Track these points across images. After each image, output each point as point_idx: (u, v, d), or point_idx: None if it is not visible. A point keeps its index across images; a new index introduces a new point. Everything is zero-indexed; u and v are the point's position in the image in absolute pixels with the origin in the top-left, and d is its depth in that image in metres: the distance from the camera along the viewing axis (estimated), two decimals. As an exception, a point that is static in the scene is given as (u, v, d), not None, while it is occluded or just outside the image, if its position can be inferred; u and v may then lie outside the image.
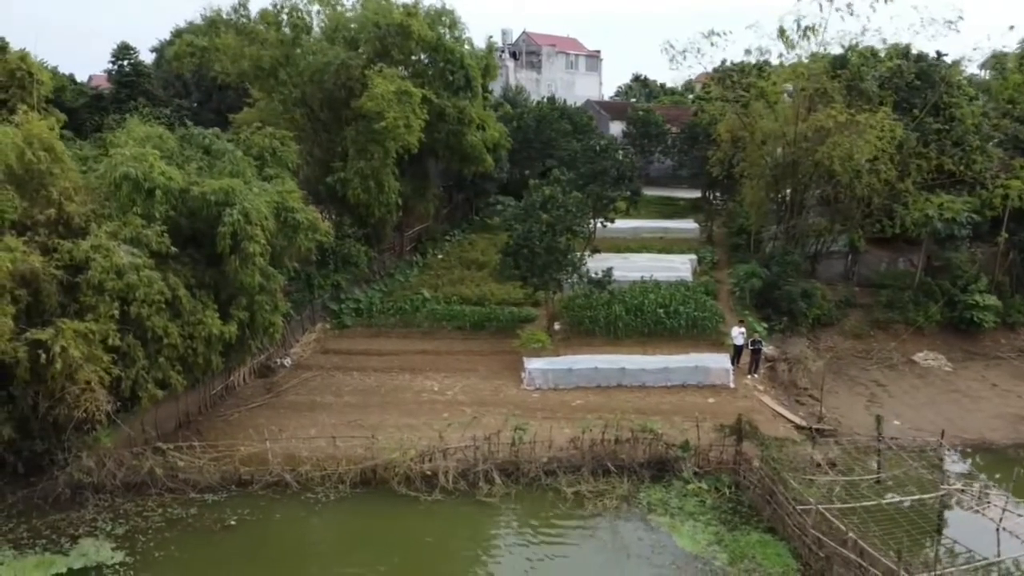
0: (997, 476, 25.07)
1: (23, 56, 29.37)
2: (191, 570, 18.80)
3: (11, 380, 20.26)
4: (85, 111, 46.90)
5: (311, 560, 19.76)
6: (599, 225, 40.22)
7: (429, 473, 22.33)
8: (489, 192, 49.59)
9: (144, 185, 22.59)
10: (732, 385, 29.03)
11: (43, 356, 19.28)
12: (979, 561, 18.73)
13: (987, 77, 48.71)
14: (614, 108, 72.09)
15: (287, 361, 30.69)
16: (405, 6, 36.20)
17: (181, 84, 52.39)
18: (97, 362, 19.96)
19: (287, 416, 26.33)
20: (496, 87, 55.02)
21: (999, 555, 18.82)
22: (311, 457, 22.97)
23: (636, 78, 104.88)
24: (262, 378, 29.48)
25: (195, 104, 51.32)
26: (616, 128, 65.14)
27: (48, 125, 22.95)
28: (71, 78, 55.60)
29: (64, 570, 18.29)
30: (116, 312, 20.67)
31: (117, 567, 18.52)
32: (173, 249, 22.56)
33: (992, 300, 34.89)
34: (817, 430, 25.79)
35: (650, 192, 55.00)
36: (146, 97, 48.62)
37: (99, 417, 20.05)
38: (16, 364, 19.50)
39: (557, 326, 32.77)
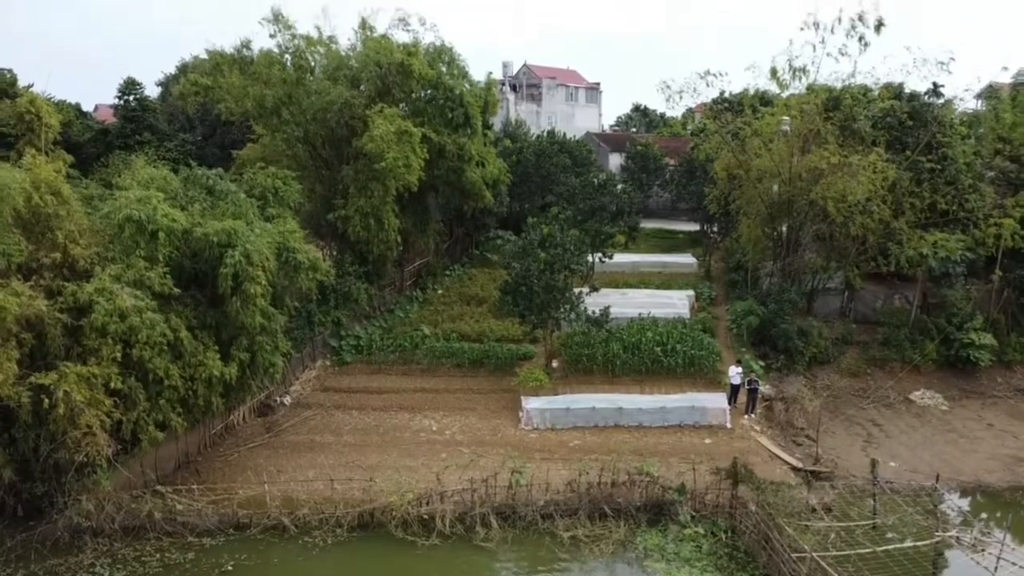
0: (997, 514, 25.10)
1: (32, 99, 29.84)
2: (188, 616, 18.89)
3: (13, 423, 20.50)
4: (91, 146, 47.50)
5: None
6: (598, 260, 40.57)
7: (426, 517, 22.41)
8: (489, 226, 50.12)
9: (148, 227, 22.86)
10: (729, 425, 29.16)
11: (46, 400, 19.54)
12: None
13: (981, 107, 49.25)
14: (613, 140, 72.92)
15: (287, 399, 30.85)
16: (405, 46, 36.78)
17: (186, 119, 53.04)
18: (99, 406, 20.19)
19: (286, 456, 26.47)
20: (497, 120, 55.63)
21: (995, 603, 18.89)
22: (309, 500, 23.07)
23: (636, 108, 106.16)
24: (262, 417, 29.63)
25: (199, 139, 51.96)
26: (615, 160, 65.92)
27: (55, 168, 23.36)
28: (77, 108, 56.39)
29: (62, 617, 18.40)
30: (118, 355, 20.91)
31: (115, 614, 18.62)
32: (176, 290, 22.85)
33: (988, 338, 35.05)
34: (813, 472, 25.89)
35: (649, 225, 55.62)
36: (151, 131, 49.25)
37: (99, 461, 20.21)
38: (19, 408, 19.75)
39: (555, 364, 32.96)
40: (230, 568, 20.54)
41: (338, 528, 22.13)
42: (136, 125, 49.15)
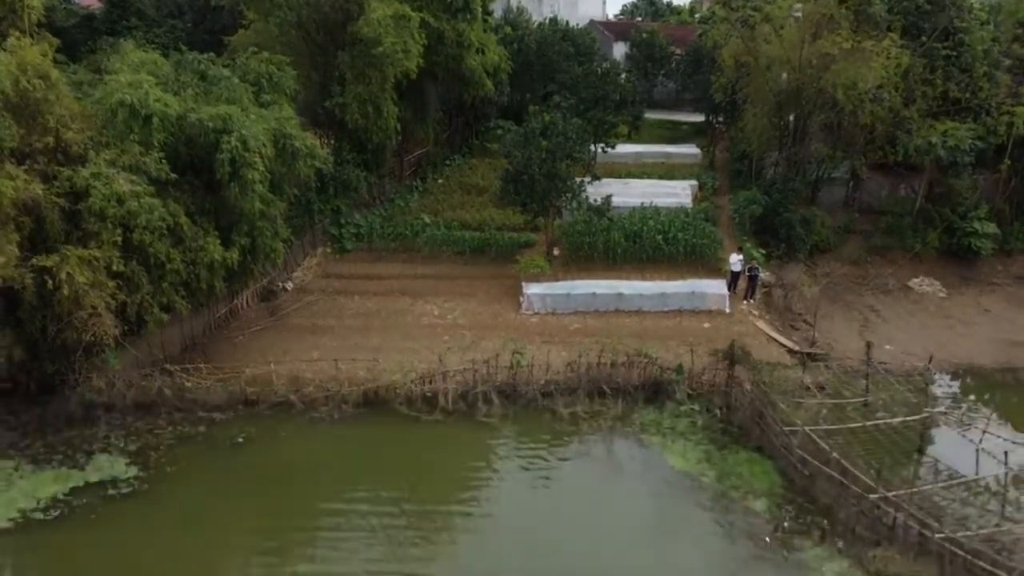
0: (986, 396, 25.70)
1: (11, -21, 28.67)
2: (203, 484, 19.72)
3: (19, 305, 20.82)
4: (76, 31, 45.88)
5: (318, 474, 20.72)
6: (600, 150, 40.00)
7: (429, 395, 23.07)
8: (489, 116, 49.13)
9: (141, 112, 22.53)
10: (728, 311, 29.47)
11: (49, 282, 19.78)
12: (959, 479, 19.53)
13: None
14: (618, 28, 70.35)
15: (289, 285, 31.11)
16: (403, -74, 34.98)
17: (175, 4, 51.02)
18: (102, 288, 20.46)
19: (290, 339, 26.94)
20: (497, 6, 53.59)
21: (977, 473, 19.60)
22: (314, 379, 23.70)
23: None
24: (265, 302, 29.91)
25: (189, 25, 50.14)
26: (620, 49, 63.76)
27: (41, 51, 22.71)
28: (61, -5, 54.24)
29: (81, 483, 19.25)
30: (119, 239, 21.03)
31: (132, 480, 19.48)
32: (172, 176, 22.72)
33: (991, 227, 34.89)
34: (809, 355, 26.35)
35: (653, 115, 54.42)
36: (139, 17, 47.47)
37: (107, 340, 20.64)
38: (23, 290, 20.03)
39: (556, 252, 33.03)
40: (240, 440, 21.34)
41: (344, 405, 22.82)
42: (123, 11, 47.22)
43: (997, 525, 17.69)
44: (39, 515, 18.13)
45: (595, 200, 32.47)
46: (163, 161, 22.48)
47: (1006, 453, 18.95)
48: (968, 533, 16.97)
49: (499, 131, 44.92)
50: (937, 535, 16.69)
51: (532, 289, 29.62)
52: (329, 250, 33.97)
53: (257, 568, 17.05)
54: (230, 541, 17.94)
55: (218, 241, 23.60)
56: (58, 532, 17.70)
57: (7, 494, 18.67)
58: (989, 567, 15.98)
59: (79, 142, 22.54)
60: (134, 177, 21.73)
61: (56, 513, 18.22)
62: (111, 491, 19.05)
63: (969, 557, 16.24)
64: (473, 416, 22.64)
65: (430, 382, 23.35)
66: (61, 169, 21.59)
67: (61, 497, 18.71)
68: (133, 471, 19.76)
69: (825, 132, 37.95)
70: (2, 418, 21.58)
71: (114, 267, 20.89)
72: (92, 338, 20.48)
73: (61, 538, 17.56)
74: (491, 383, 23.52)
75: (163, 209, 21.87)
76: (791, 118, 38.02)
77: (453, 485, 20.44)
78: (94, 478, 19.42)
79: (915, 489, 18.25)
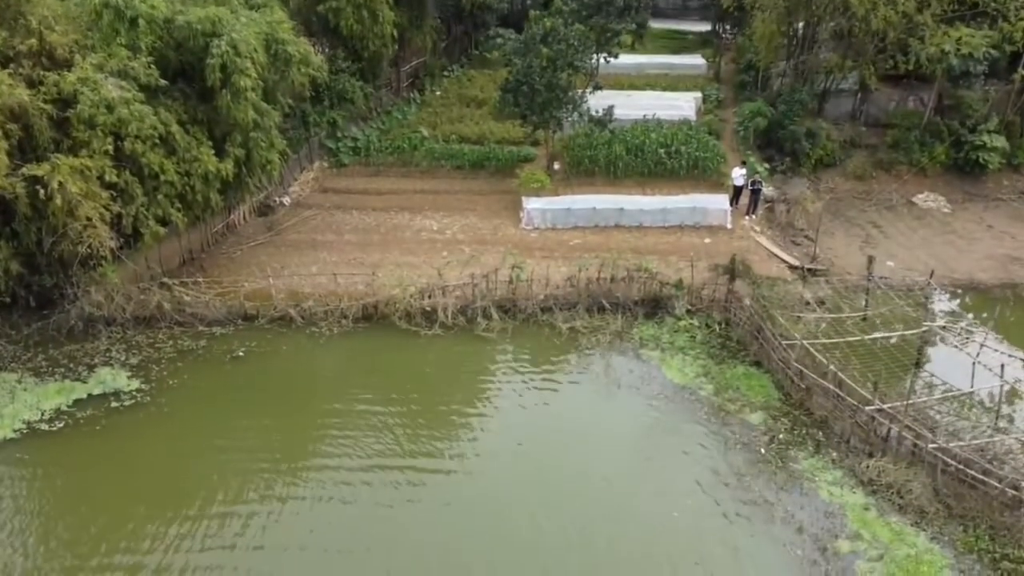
0: (984, 314, 25.74)
1: None
2: (204, 396, 19.90)
3: (13, 217, 20.55)
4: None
5: (318, 387, 21.01)
6: (602, 60, 38.82)
7: (429, 309, 23.04)
8: (489, 24, 47.33)
9: (126, 13, 21.87)
10: (729, 226, 29.19)
11: (42, 192, 19.44)
12: (954, 392, 19.74)
13: None
14: (623, -69, 67.27)
15: (286, 200, 30.70)
16: None
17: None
18: (96, 198, 20.14)
19: (288, 254, 26.75)
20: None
21: (972, 387, 19.80)
22: (314, 293, 23.66)
23: None
24: (262, 217, 29.60)
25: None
26: (624, -47, 61.15)
27: (17, -53, 21.66)
28: None
29: (84, 395, 19.44)
30: (110, 148, 20.61)
31: (134, 393, 19.65)
32: (162, 83, 22.09)
33: (1000, 141, 34.12)
34: (809, 270, 26.24)
35: (658, 25, 52.72)
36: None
37: (103, 253, 20.46)
38: (16, 200, 19.72)
39: (556, 166, 32.48)
40: (241, 354, 21.43)
41: (343, 319, 22.84)
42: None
43: (989, 436, 17.96)
44: (44, 426, 18.37)
45: (596, 112, 31.70)
46: (152, 66, 21.86)
47: (1002, 367, 19.06)
48: (960, 443, 17.26)
49: (499, 40, 43.50)
50: (930, 445, 16.97)
51: (532, 204, 29.23)
52: (326, 164, 33.41)
53: (262, 467, 17.40)
54: (234, 446, 18.21)
55: (212, 152, 23.16)
56: (64, 442, 17.98)
57: (12, 406, 18.86)
58: (980, 475, 16.33)
59: (64, 45, 21.89)
60: (123, 83, 21.16)
61: (61, 424, 18.46)
62: (114, 403, 19.24)
63: (960, 466, 16.57)
64: (472, 330, 22.68)
65: (429, 296, 23.29)
66: (47, 74, 20.97)
67: (65, 409, 18.93)
68: (135, 384, 19.92)
69: (835, 40, 36.73)
70: (3, 332, 21.60)
71: (107, 177, 20.56)
72: (88, 250, 20.30)
73: (67, 448, 17.85)
74: (490, 298, 23.46)
75: (154, 117, 21.39)
76: (800, 25, 36.76)
77: (452, 396, 20.61)
78: (97, 391, 19.60)
79: (910, 402, 18.44)
